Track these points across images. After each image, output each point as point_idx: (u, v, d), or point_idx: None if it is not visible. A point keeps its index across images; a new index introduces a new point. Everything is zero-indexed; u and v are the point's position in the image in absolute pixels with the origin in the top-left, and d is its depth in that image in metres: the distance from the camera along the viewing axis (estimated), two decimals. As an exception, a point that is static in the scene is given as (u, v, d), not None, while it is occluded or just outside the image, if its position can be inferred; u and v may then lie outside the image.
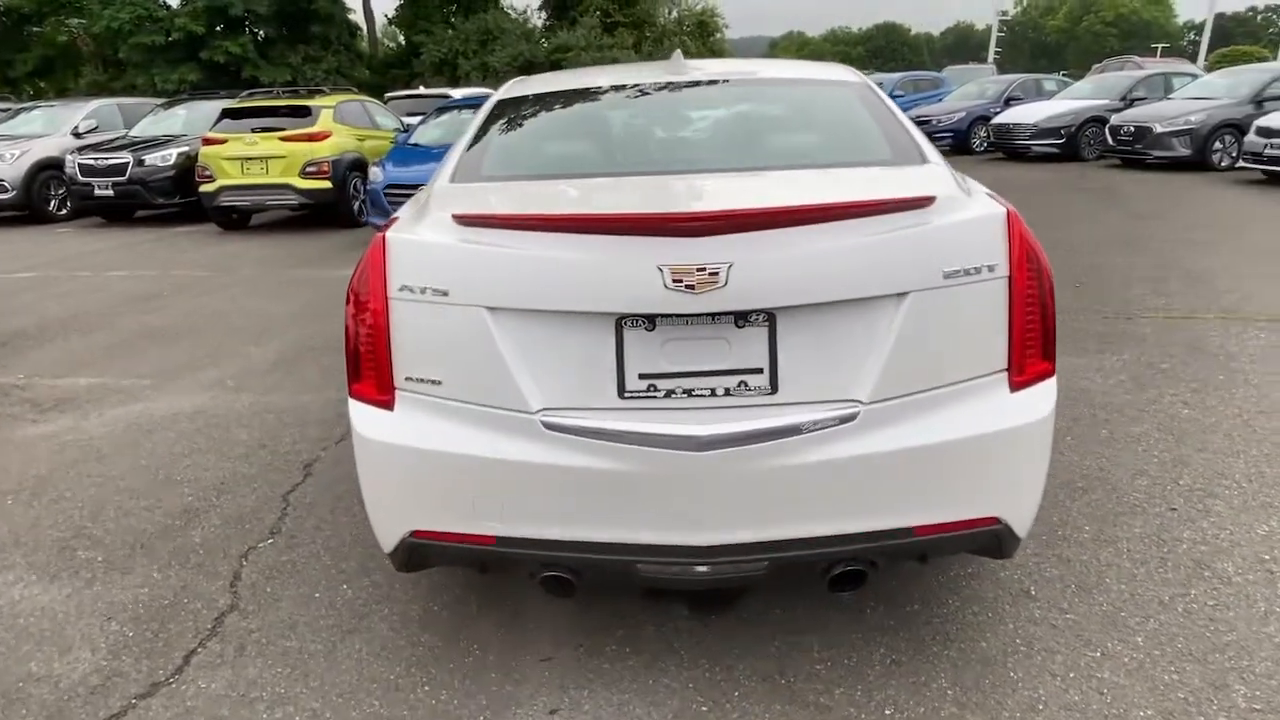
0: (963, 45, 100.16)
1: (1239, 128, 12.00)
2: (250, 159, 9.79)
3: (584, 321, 1.84)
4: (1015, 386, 1.91)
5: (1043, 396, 1.92)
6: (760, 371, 1.83)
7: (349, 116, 10.59)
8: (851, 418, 1.80)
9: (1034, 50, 77.35)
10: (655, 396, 1.83)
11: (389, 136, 11.13)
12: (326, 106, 10.24)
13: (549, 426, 1.84)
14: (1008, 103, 16.31)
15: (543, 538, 1.90)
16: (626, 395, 1.84)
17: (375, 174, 8.92)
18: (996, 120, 15.04)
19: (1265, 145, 10.71)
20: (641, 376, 1.83)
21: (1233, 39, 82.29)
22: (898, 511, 1.87)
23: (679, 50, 2.76)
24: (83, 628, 2.48)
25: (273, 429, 3.94)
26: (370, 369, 1.98)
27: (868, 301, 1.81)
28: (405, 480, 1.97)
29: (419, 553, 2.02)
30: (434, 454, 1.91)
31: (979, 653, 2.22)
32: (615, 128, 2.64)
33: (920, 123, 16.37)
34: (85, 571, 2.78)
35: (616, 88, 2.72)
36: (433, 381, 1.92)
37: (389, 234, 1.96)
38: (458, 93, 14.63)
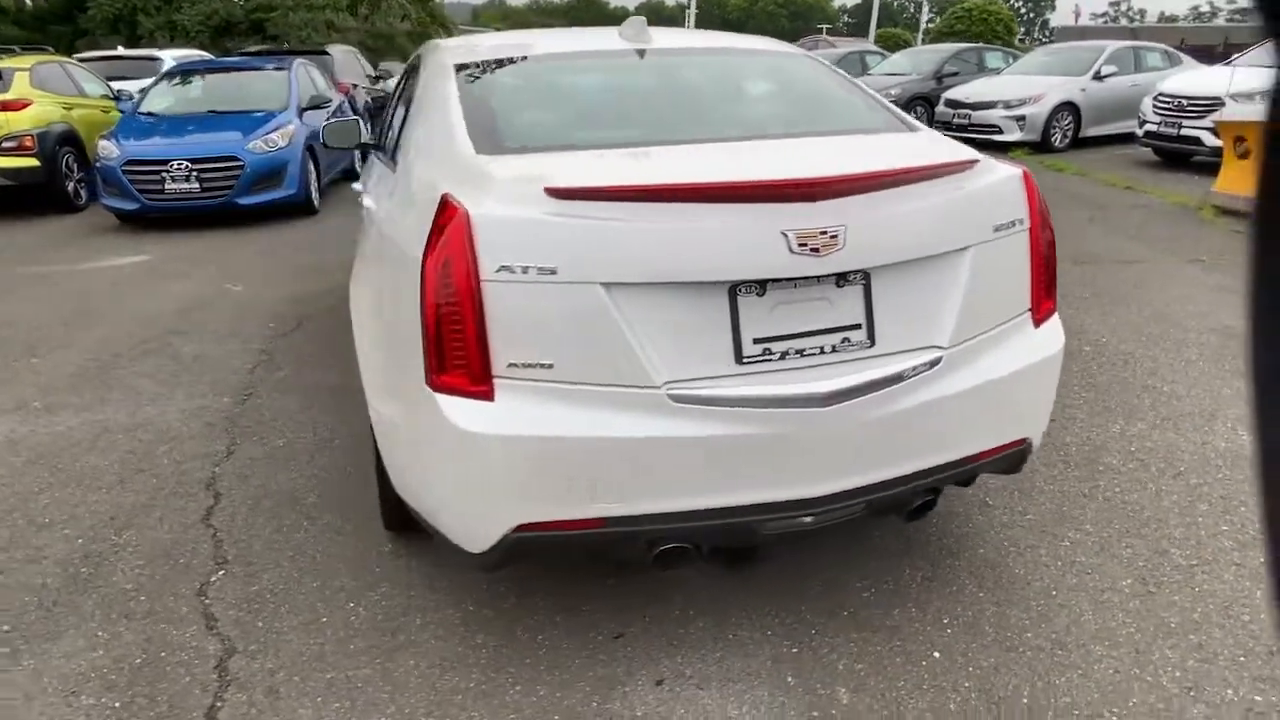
0: (655, 20, 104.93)
1: (928, 100, 13.99)
2: (-79, 134, 7.96)
3: (698, 291, 1.84)
4: (1037, 323, 2.21)
5: (1055, 330, 2.25)
6: (859, 327, 1.96)
7: (50, 81, 8.94)
8: (937, 362, 2.00)
9: (722, 27, 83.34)
10: (771, 359, 1.89)
11: (104, 105, 9.57)
12: (20, 69, 8.56)
13: (676, 399, 1.83)
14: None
15: (662, 511, 1.89)
16: (745, 360, 1.88)
17: (107, 149, 7.68)
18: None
19: (953, 115, 12.60)
20: (756, 341, 1.88)
21: (879, 22, 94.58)
22: (967, 442, 2.11)
23: (641, 17, 2.75)
24: (46, 712, 2.03)
25: (136, 449, 3.37)
26: (460, 358, 1.82)
27: (943, 256, 2.01)
28: (513, 472, 1.85)
29: (521, 547, 1.91)
30: (549, 440, 1.82)
31: (982, 558, 2.55)
32: (625, 96, 2.58)
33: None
34: (1, 648, 2.25)
35: (600, 54, 2.65)
36: (543, 365, 1.82)
37: (473, 211, 1.81)
38: (167, 55, 12.84)
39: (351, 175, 10.34)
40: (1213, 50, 19.21)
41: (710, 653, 2.18)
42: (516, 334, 1.81)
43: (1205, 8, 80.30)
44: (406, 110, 2.87)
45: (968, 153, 2.13)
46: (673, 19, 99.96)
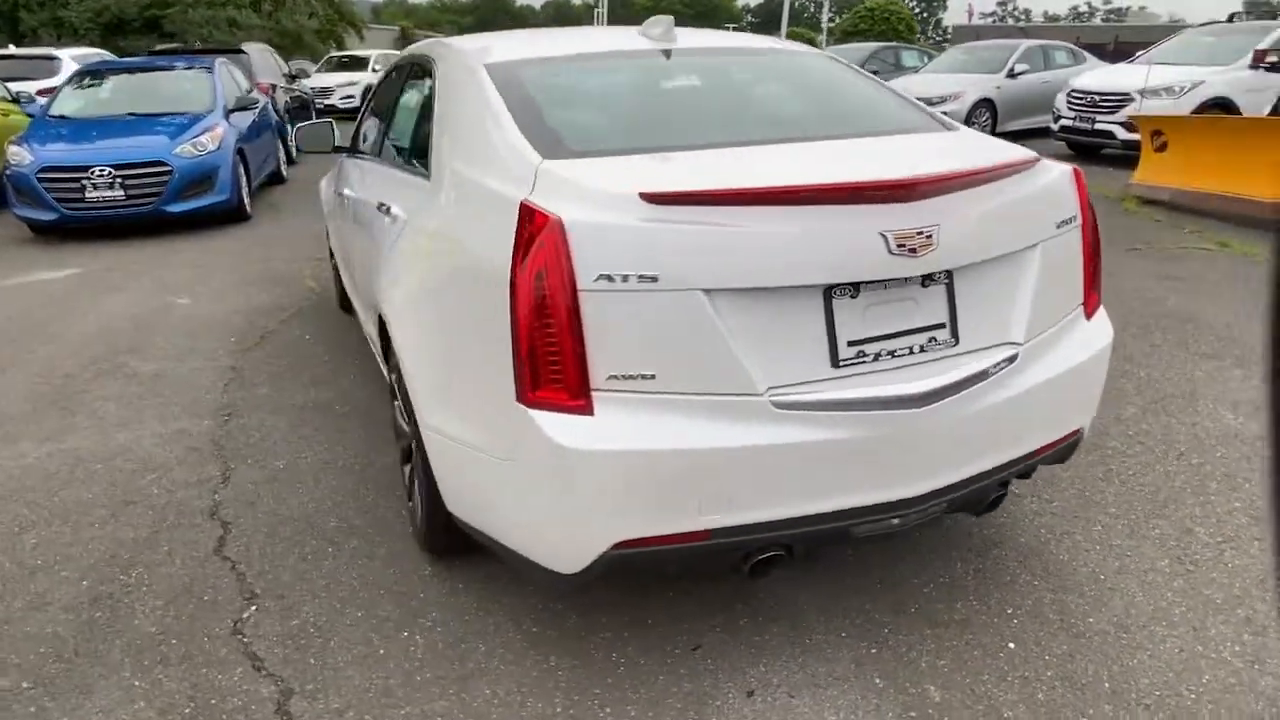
0: (563, 19, 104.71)
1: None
2: None
3: (794, 295, 1.82)
4: (1088, 316, 2.27)
5: (1104, 321, 2.32)
6: (944, 326, 1.97)
7: (-58, 82, 8.26)
8: (1014, 358, 2.02)
9: (626, 23, 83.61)
10: (864, 361, 1.88)
11: (2, 109, 8.90)
12: (-91, 69, 7.87)
13: (779, 405, 1.80)
14: None
15: (765, 520, 1.86)
16: (841, 364, 1.86)
17: (19, 155, 7.15)
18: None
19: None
20: (851, 344, 1.87)
21: (779, 20, 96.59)
22: (1037, 435, 2.15)
23: (668, 16, 2.69)
24: (97, 773, 1.85)
25: (118, 479, 3.13)
26: (556, 372, 1.75)
27: (1017, 253, 2.04)
28: (615, 488, 1.78)
29: (618, 565, 1.85)
30: (653, 454, 1.76)
31: (1025, 546, 2.61)
32: (673, 97, 2.52)
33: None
34: (25, 707, 2.04)
35: (634, 54, 2.59)
36: (645, 376, 1.76)
37: (567, 218, 1.73)
38: (65, 54, 12.03)
39: (277, 179, 9.94)
40: (1104, 48, 20.29)
41: (792, 659, 2.16)
42: (617, 345, 1.74)
43: (1084, 8, 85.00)
44: (421, 115, 2.75)
45: (1023, 151, 2.17)
46: (579, 18, 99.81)
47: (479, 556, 2.54)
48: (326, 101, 18.72)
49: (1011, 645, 2.19)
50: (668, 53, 2.68)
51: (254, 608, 2.40)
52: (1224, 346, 4.17)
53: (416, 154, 2.67)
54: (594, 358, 1.74)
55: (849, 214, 1.80)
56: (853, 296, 1.86)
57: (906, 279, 1.89)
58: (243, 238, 7.43)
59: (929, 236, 1.83)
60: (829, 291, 1.84)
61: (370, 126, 3.77)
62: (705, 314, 1.75)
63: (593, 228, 1.73)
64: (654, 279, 1.72)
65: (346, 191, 3.48)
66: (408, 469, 2.77)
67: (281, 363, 4.34)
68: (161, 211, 7.30)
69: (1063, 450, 2.30)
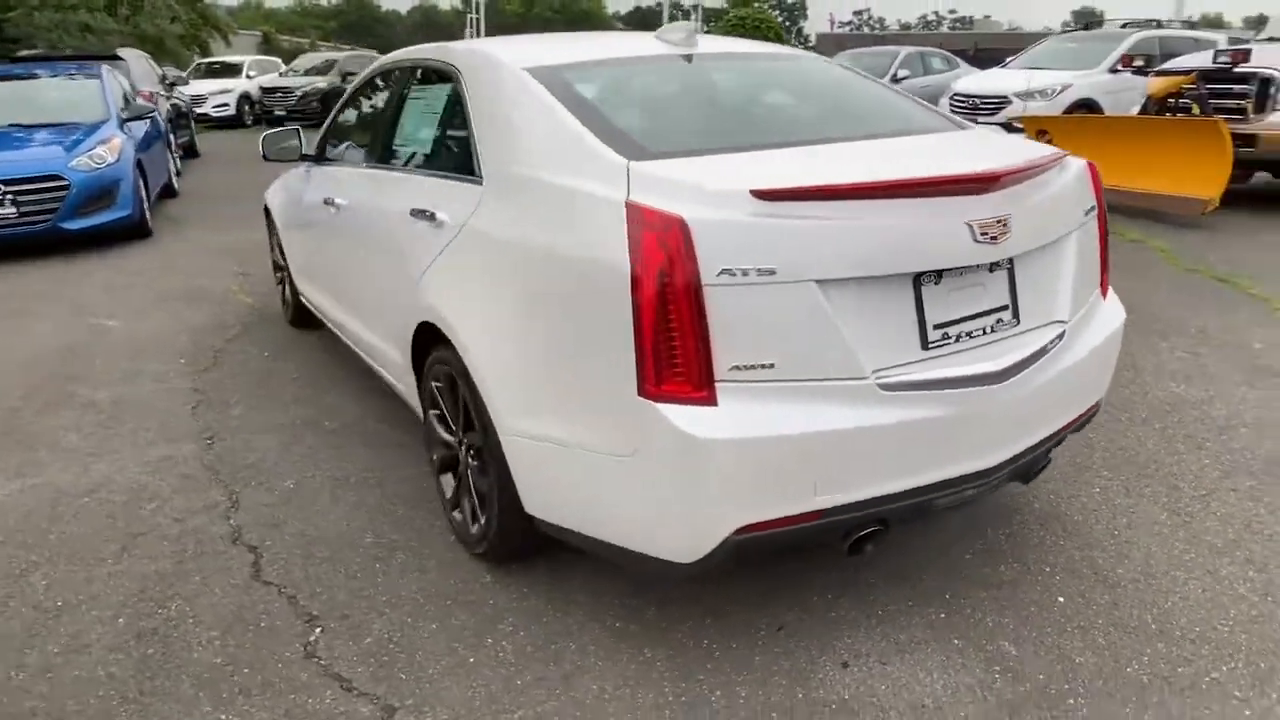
0: (431, 24, 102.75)
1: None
2: None
3: (889, 282, 1.94)
4: (1104, 295, 2.50)
5: (1115, 300, 2.55)
6: (1007, 308, 2.13)
7: None
8: (1063, 335, 2.21)
9: (503, 32, 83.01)
10: (948, 343, 2.02)
11: None
12: None
13: (884, 387, 1.91)
14: None
15: (869, 497, 1.96)
16: (929, 346, 1.99)
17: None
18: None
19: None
20: (936, 327, 2.01)
21: (653, 27, 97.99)
22: (1076, 406, 2.35)
23: (689, 22, 2.76)
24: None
25: (114, 512, 2.94)
26: (680, 365, 1.80)
27: (1060, 240, 2.23)
28: (741, 475, 1.84)
29: (738, 550, 1.91)
30: (776, 439, 1.83)
31: (1041, 510, 2.83)
32: (722, 99, 2.59)
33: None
34: (106, 751, 1.91)
35: (669, 58, 2.66)
36: (765, 366, 1.83)
37: (688, 215, 1.78)
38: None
39: (169, 192, 9.38)
40: (966, 54, 21.66)
41: (870, 630, 2.27)
42: (738, 337, 1.81)
43: (931, 17, 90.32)
44: (448, 119, 2.72)
45: (1046, 146, 2.37)
46: (448, 25, 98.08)
47: (539, 559, 2.55)
48: (200, 110, 17.81)
49: (1061, 599, 2.38)
50: (689, 57, 2.76)
51: (319, 629, 2.32)
52: (1144, 321, 4.60)
53: (452, 159, 2.64)
54: (717, 349, 1.80)
55: (938, 206, 1.94)
56: (936, 283, 2.00)
57: (979, 265, 2.05)
58: (151, 255, 6.99)
59: (1005, 225, 1.99)
60: (918, 279, 1.97)
61: (357, 133, 3.67)
62: (819, 303, 1.84)
63: (714, 225, 1.79)
64: (772, 271, 1.80)
65: (340, 201, 3.37)
66: (447, 479, 2.74)
67: (247, 382, 4.15)
68: (58, 229, 6.78)
69: (1084, 420, 2.52)
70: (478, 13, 43.14)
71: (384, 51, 5.15)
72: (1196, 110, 7.93)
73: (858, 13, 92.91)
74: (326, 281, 3.83)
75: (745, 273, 1.79)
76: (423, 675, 2.14)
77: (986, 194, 1.97)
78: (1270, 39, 8.57)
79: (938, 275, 1.99)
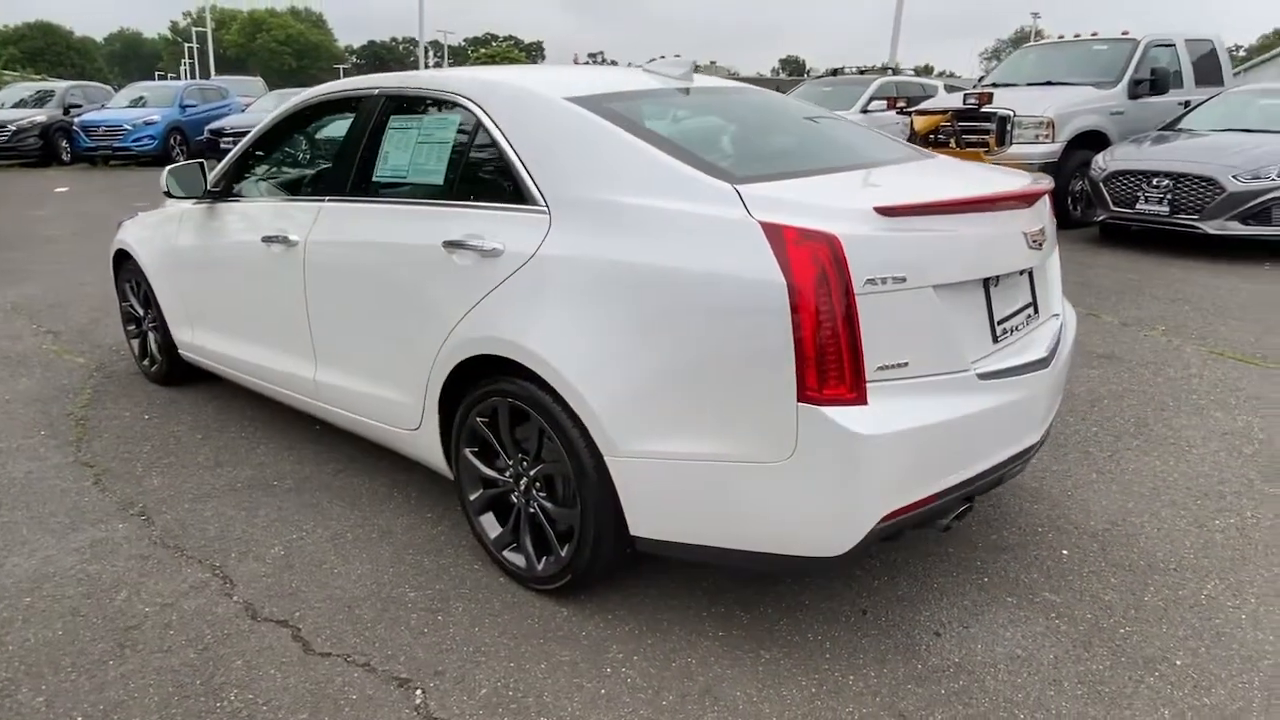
0: (134, 53, 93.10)
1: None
2: None
3: (973, 285, 2.22)
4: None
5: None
6: (1031, 304, 2.50)
7: None
8: (1061, 326, 2.62)
9: (218, 65, 76.90)
10: (1007, 336, 2.34)
11: None
12: None
13: (981, 377, 2.18)
14: None
15: (969, 477, 2.21)
16: (997, 339, 2.30)
17: None
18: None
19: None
20: (998, 323, 2.31)
21: (385, 63, 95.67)
22: (1065, 387, 2.77)
23: (688, 60, 2.88)
24: None
25: (80, 608, 2.50)
26: (837, 369, 1.94)
27: (1053, 249, 2.64)
28: (891, 466, 2.00)
29: (880, 537, 2.07)
30: (917, 430, 2.02)
31: (1036, 468, 3.25)
32: (759, 129, 2.72)
33: (241, 134, 15.70)
34: None
35: (704, 91, 2.79)
36: (901, 365, 2.02)
37: (839, 232, 1.94)
38: None
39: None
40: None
41: (939, 601, 2.52)
42: (881, 339, 1.99)
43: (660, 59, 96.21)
44: (466, 150, 2.65)
45: (1024, 172, 2.80)
46: (153, 53, 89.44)
47: (604, 586, 2.55)
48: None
49: (1065, 552, 2.78)
50: (689, 90, 2.91)
51: (419, 690, 2.16)
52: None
53: (486, 189, 2.57)
54: (867, 352, 1.97)
55: (1003, 219, 2.25)
56: (996, 285, 2.31)
57: (1022, 270, 2.39)
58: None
59: (1044, 234, 2.35)
60: (987, 282, 2.26)
61: (298, 167, 3.38)
62: (936, 306, 2.07)
63: (858, 239, 1.96)
64: (903, 279, 2.01)
65: (293, 237, 3.10)
66: (488, 519, 2.66)
67: (146, 449, 3.65)
68: None
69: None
70: (200, 44, 39.82)
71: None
72: (954, 144, 9.29)
73: (592, 55, 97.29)
74: (253, 328, 3.48)
75: (884, 281, 1.98)
76: (565, 714, 2.07)
77: (1031, 208, 2.32)
78: (995, 84, 10.26)
79: (996, 279, 2.30)
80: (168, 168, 3.57)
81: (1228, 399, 4.14)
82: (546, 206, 2.38)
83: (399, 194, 2.85)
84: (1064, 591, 2.57)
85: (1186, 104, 9.41)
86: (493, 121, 2.58)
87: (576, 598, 2.53)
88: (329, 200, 3.06)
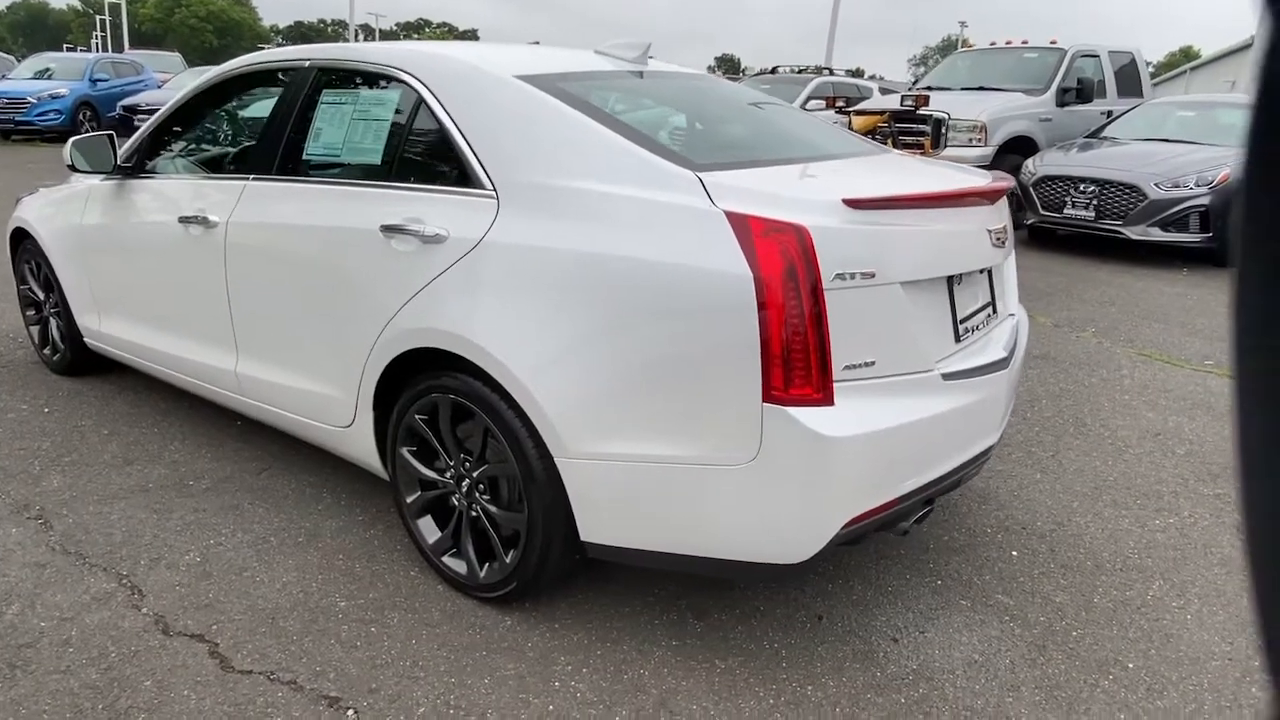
0: (39, 23, 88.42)
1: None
2: None
3: (935, 283, 2.16)
4: (1011, 294, 2.96)
5: (1014, 297, 3.03)
6: (990, 304, 2.46)
7: None
8: (1016, 326, 2.60)
9: (135, 40, 73.29)
10: (968, 335, 2.29)
11: None
12: None
13: (945, 377, 2.12)
14: None
15: (931, 479, 2.15)
16: (959, 339, 2.24)
17: None
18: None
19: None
20: (960, 322, 2.26)
21: (313, 43, 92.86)
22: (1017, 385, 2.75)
23: (648, 41, 2.75)
24: None
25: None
26: (804, 368, 1.85)
27: (1012, 248, 2.61)
28: (856, 469, 1.93)
29: (838, 543, 1.99)
30: (884, 433, 1.95)
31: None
32: (716, 115, 2.60)
33: (155, 111, 14.90)
34: None
35: (658, 75, 2.65)
36: (867, 364, 1.95)
37: (808, 224, 1.84)
38: None
39: None
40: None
41: (894, 605, 2.47)
42: (849, 337, 1.91)
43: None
44: (407, 128, 2.48)
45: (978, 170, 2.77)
46: (61, 25, 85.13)
47: (550, 594, 2.42)
48: None
49: (1014, 554, 2.77)
50: (640, 74, 2.79)
51: (351, 711, 1.99)
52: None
53: (427, 170, 2.40)
54: (835, 351, 1.88)
55: (970, 214, 2.20)
56: (959, 284, 2.26)
57: (982, 269, 2.35)
58: None
59: (1006, 231, 2.31)
60: (950, 280, 2.21)
61: (217, 143, 3.13)
62: (903, 303, 2.00)
63: (827, 231, 1.87)
64: (872, 275, 1.93)
65: (213, 218, 2.87)
66: (426, 523, 2.50)
67: (45, 445, 3.35)
68: None
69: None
70: (113, 16, 37.85)
71: None
72: (890, 144, 9.40)
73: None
74: (167, 316, 3.22)
75: (853, 276, 1.90)
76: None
77: (993, 206, 2.27)
78: (929, 87, 10.43)
79: (959, 278, 2.25)
80: (72, 139, 3.27)
81: (1157, 400, 4.23)
82: (494, 190, 2.23)
83: (332, 174, 2.65)
84: (1016, 594, 2.55)
85: (1109, 113, 9.73)
86: (436, 99, 2.42)
87: (521, 606, 2.39)
88: (253, 179, 2.84)
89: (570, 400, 2.05)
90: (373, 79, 2.65)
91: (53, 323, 4.05)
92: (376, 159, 2.54)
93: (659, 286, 1.94)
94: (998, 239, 2.30)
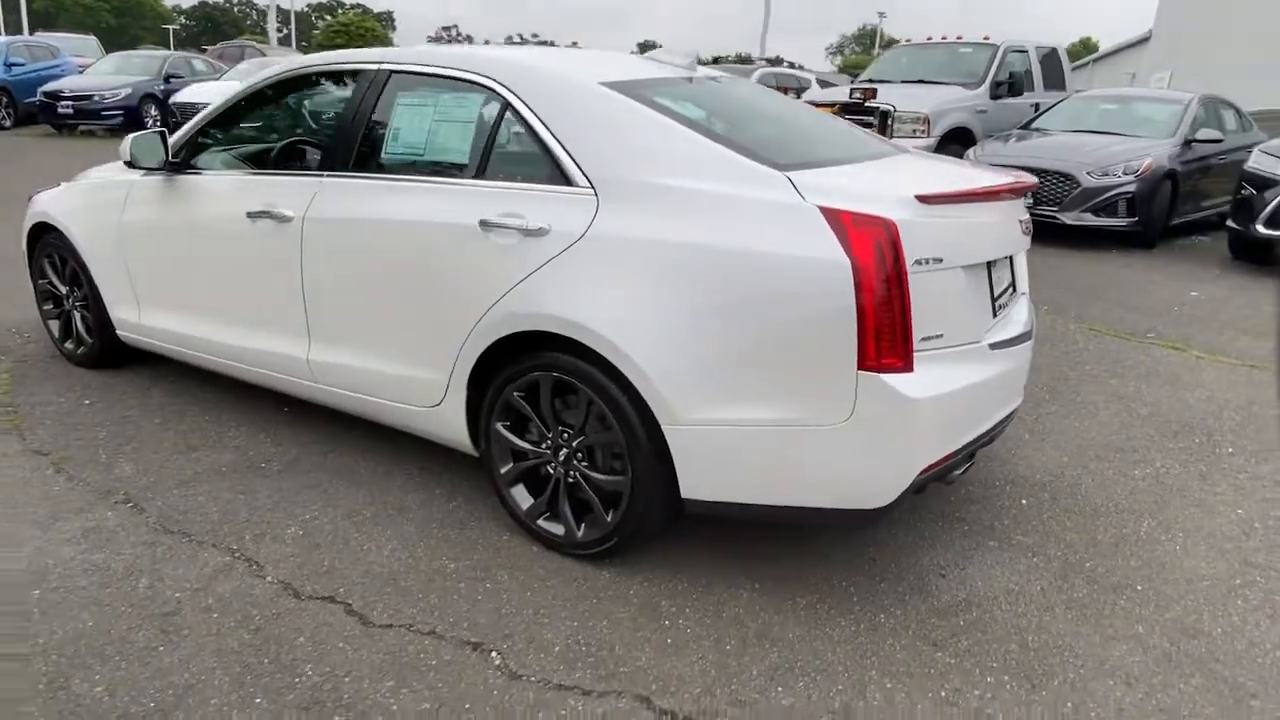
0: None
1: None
2: None
3: (980, 267, 2.51)
4: (1012, 274, 3.35)
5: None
6: (1012, 284, 2.83)
7: None
8: (1027, 303, 2.99)
9: (36, 17, 69.01)
10: (1001, 311, 2.66)
11: None
12: None
13: (992, 346, 2.48)
14: (169, 80, 15.63)
15: (977, 435, 2.51)
16: (996, 314, 2.61)
17: None
18: (179, 99, 14.30)
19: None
20: (994, 299, 2.63)
21: (219, 25, 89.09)
22: (1025, 356, 3.15)
23: (695, 50, 3.01)
24: None
25: (99, 598, 2.39)
26: (891, 340, 2.18)
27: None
28: (933, 424, 2.26)
29: (915, 488, 2.33)
30: (952, 394, 2.29)
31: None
32: (774, 118, 2.89)
33: (81, 98, 14.36)
34: None
35: (707, 80, 2.93)
36: (937, 336, 2.28)
37: (896, 217, 2.16)
38: None
39: None
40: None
41: (934, 546, 2.83)
42: (925, 314, 2.24)
43: (517, 39, 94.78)
44: (494, 130, 2.70)
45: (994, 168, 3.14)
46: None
47: (634, 551, 2.69)
48: None
49: (1023, 502, 3.18)
50: (690, 79, 3.07)
51: (494, 653, 2.24)
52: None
53: (520, 169, 2.63)
54: (915, 325, 2.21)
55: (1006, 207, 2.56)
56: (994, 267, 2.62)
57: (1010, 254, 2.72)
58: None
59: (1030, 220, 2.68)
60: (990, 263, 2.57)
61: (281, 140, 3.25)
62: (963, 284, 2.35)
63: (911, 225, 2.20)
64: (940, 260, 2.27)
65: (287, 212, 3.02)
66: (519, 491, 2.74)
67: (102, 435, 3.45)
68: None
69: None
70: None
71: None
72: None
73: (446, 29, 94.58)
74: (227, 307, 3.35)
75: (927, 261, 2.23)
76: (639, 663, 2.22)
77: (1022, 199, 2.64)
78: (871, 80, 10.94)
79: (993, 262, 2.61)
80: (130, 136, 3.35)
81: (1116, 369, 4.74)
82: (592, 187, 2.48)
83: (415, 172, 2.84)
84: (1033, 534, 2.95)
85: (1036, 106, 10.41)
86: (525, 104, 2.64)
87: (612, 563, 2.66)
88: (328, 176, 3.01)
89: (680, 374, 2.33)
90: (454, 83, 2.85)
91: (77, 316, 4.09)
92: (463, 158, 2.76)
93: (760, 273, 2.23)
94: (1026, 228, 2.67)
